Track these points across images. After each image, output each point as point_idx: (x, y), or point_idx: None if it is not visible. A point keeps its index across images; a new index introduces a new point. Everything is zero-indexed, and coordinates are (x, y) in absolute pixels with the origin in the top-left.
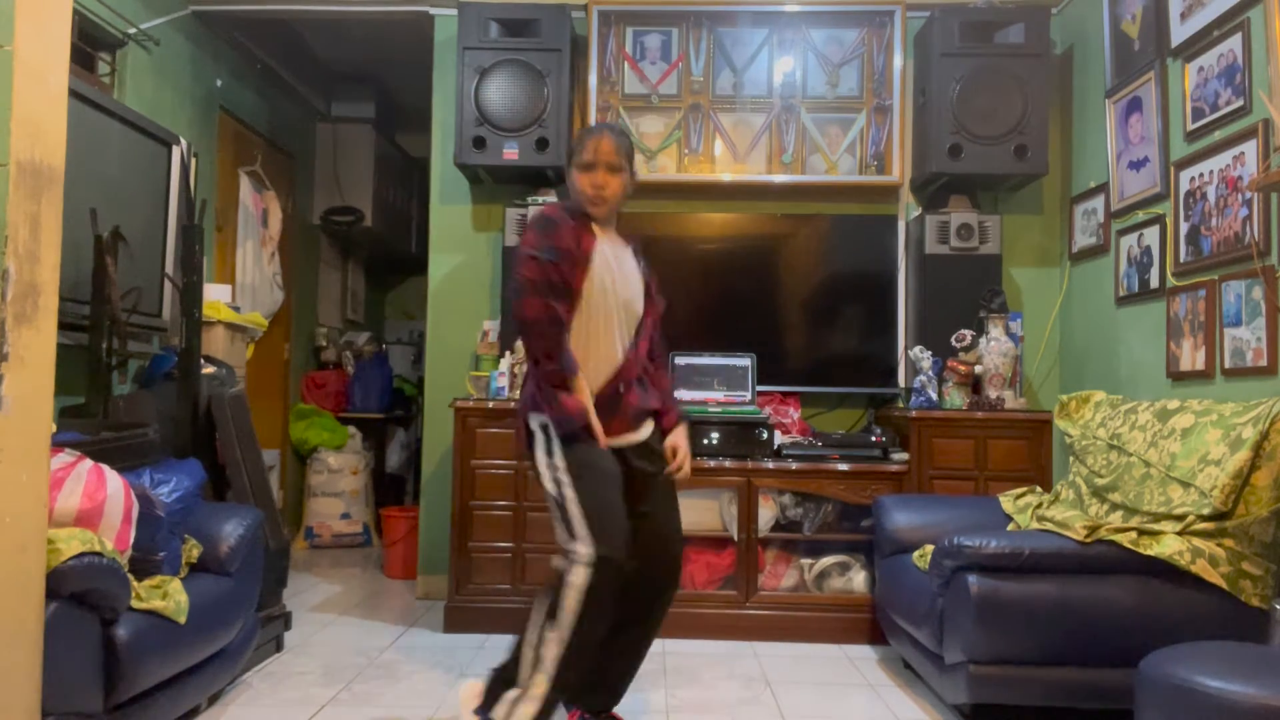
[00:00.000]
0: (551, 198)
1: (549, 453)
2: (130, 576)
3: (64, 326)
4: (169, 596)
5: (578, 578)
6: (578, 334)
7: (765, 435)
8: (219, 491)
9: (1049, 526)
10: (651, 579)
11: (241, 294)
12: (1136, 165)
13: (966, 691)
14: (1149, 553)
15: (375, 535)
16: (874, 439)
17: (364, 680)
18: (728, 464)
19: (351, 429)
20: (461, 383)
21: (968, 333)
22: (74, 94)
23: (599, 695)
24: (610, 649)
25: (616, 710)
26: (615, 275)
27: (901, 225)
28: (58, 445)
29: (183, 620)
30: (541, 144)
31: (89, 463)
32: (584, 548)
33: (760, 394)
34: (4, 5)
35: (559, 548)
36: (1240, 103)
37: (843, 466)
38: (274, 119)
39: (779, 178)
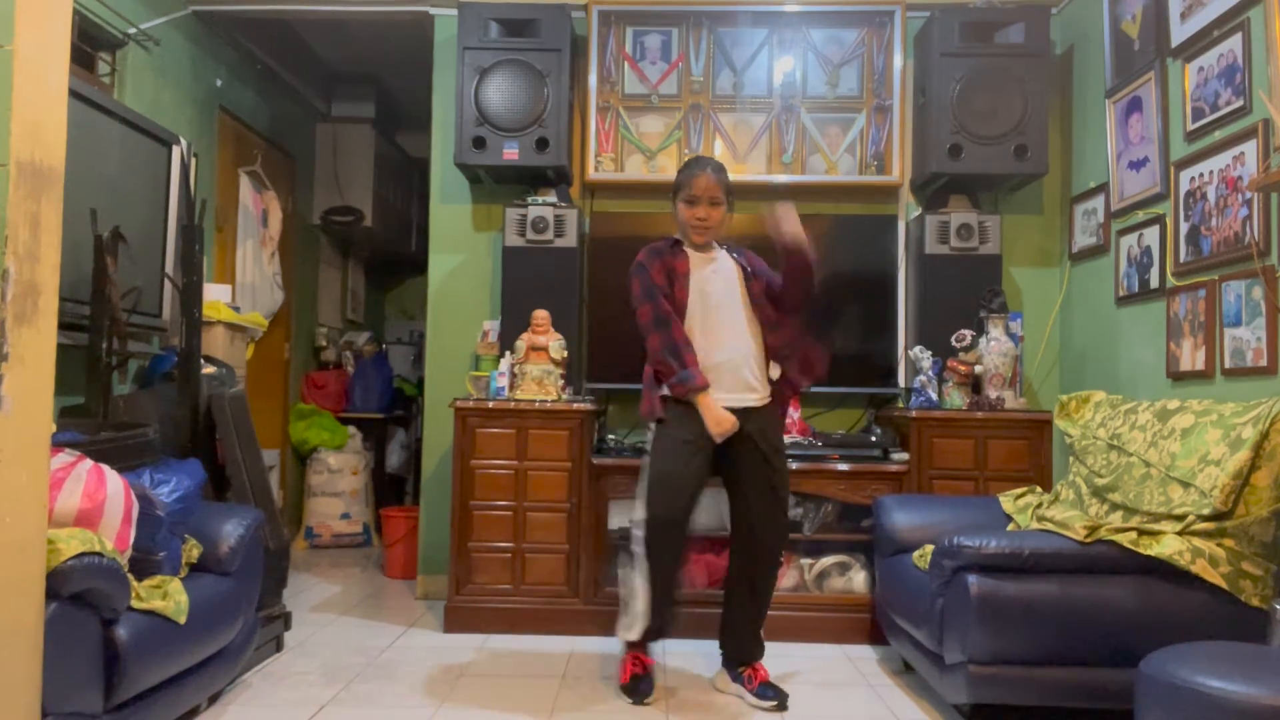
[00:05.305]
0: (551, 198)
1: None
2: (130, 576)
3: (64, 326)
4: (169, 596)
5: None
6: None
7: None
8: (219, 491)
9: (1049, 526)
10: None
11: (241, 294)
12: (1136, 165)
13: (966, 691)
14: (1149, 553)
15: (375, 535)
16: (873, 439)
17: (364, 680)
18: None
19: (351, 429)
20: (461, 383)
21: (968, 333)
22: (74, 94)
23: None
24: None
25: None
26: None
27: (901, 225)
28: (58, 445)
29: (183, 620)
30: (541, 144)
31: (89, 463)
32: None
33: None
34: (4, 5)
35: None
36: (1240, 103)
37: (843, 466)
38: (274, 119)
39: (779, 178)
